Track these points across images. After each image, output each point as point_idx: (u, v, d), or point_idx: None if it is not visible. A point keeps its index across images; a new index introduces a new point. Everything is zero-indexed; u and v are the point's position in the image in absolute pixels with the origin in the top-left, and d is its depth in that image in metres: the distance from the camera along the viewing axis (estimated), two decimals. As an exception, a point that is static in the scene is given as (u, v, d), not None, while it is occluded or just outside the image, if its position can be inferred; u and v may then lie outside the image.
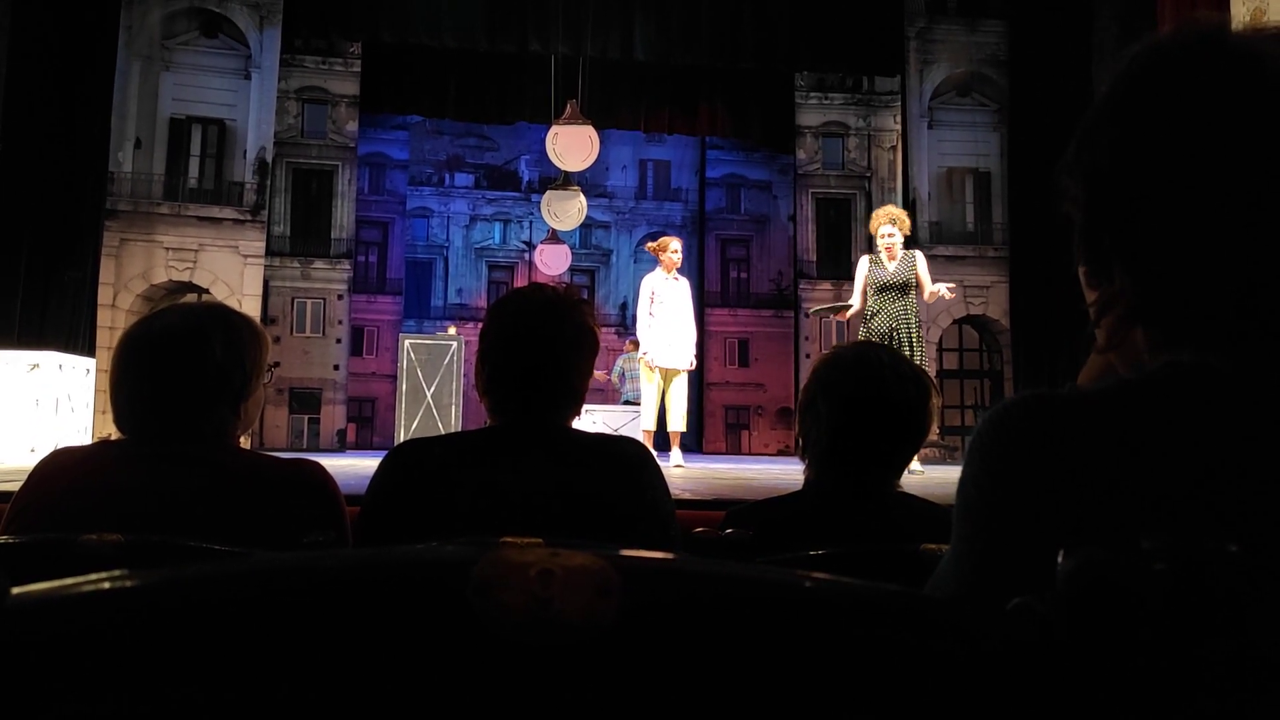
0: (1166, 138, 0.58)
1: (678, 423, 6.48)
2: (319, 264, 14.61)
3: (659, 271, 6.57)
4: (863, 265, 6.11)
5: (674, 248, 6.57)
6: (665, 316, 6.41)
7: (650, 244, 6.88)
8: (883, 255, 5.99)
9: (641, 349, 6.53)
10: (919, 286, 6.00)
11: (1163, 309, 0.59)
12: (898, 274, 5.99)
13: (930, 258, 14.27)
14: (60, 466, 1.29)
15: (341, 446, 13.81)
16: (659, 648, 0.36)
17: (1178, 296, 0.58)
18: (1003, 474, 0.54)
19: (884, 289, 5.96)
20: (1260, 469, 0.50)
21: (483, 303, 19.94)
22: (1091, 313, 0.65)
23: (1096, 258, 0.63)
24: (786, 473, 6.03)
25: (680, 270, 6.71)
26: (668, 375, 6.45)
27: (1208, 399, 0.54)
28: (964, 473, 0.57)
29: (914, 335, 5.85)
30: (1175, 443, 0.52)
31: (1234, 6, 5.54)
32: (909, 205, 13.78)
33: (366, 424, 18.06)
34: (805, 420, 1.46)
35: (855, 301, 6.12)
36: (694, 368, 6.64)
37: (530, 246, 19.34)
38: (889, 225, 6.00)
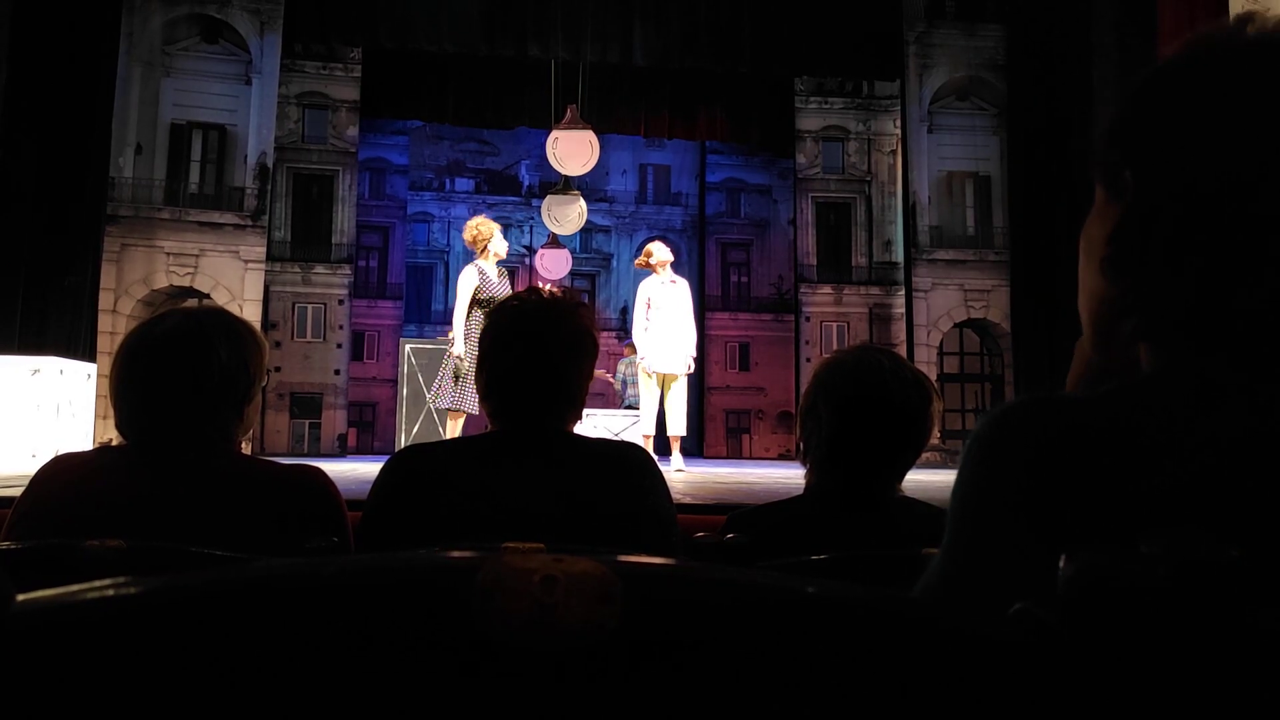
0: (1247, 139, 0.56)
1: (677, 427, 6.49)
2: (320, 269, 14.62)
3: (654, 277, 6.59)
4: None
5: (654, 251, 6.57)
6: (661, 321, 6.42)
7: (637, 260, 6.91)
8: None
9: (638, 355, 6.58)
10: None
11: (1190, 318, 0.57)
12: None
13: (930, 261, 14.29)
14: (61, 472, 1.29)
15: (342, 451, 13.80)
16: (661, 653, 0.37)
17: (1220, 301, 0.56)
18: (1002, 477, 0.54)
19: None
20: (1260, 474, 0.50)
21: (483, 307, 19.89)
22: (1092, 305, 0.63)
23: (1129, 250, 0.60)
24: (787, 477, 6.03)
25: (679, 273, 6.73)
26: (666, 380, 6.45)
27: (1210, 405, 0.54)
28: (961, 475, 0.57)
29: None
30: (1175, 448, 0.52)
31: (1232, 13, 5.54)
32: (909, 209, 13.81)
33: (367, 429, 18.05)
34: (806, 424, 1.46)
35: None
36: (691, 371, 6.59)
37: (531, 251, 19.35)
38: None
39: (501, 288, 5.69)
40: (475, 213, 21.46)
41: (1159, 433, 0.52)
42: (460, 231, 7.12)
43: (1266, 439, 0.51)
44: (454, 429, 5.77)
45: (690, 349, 6.51)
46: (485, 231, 5.80)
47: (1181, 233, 0.57)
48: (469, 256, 6.09)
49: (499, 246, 5.80)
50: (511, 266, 22.07)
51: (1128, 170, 0.60)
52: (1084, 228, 0.65)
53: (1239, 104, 0.57)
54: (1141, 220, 0.59)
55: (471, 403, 5.49)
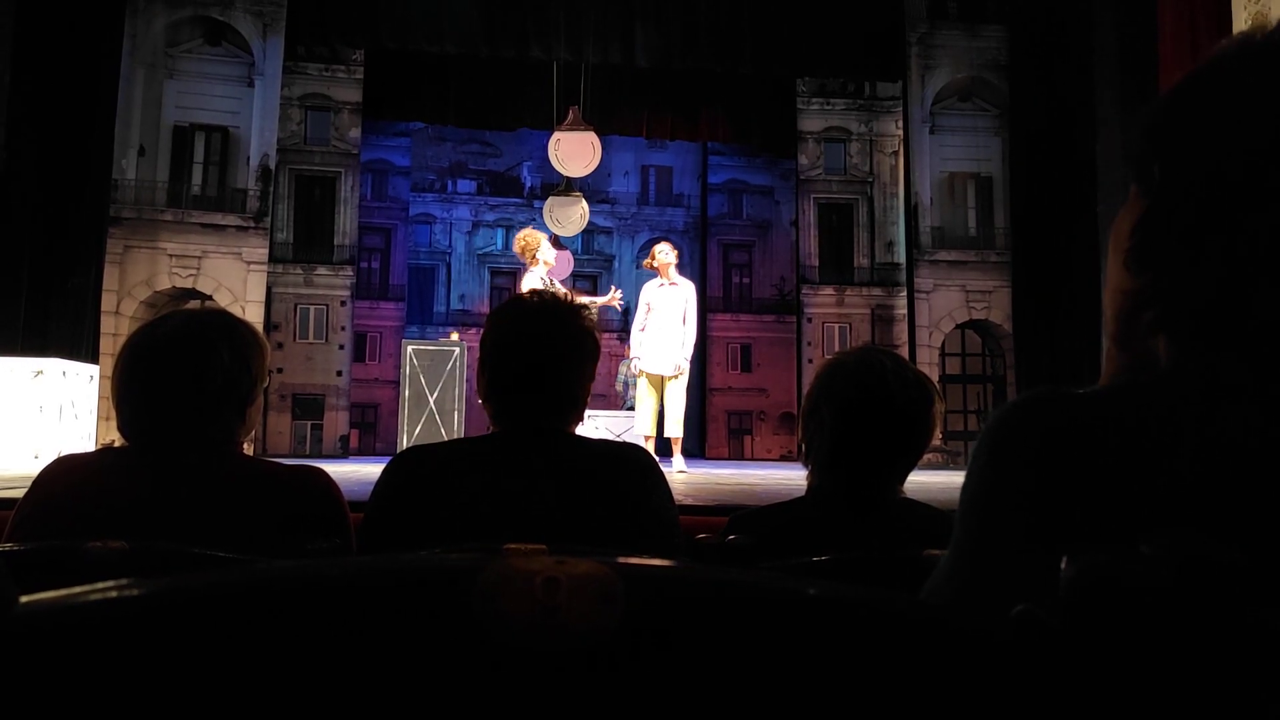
0: (1269, 138, 0.56)
1: (674, 429, 6.48)
2: (322, 270, 14.63)
3: (655, 279, 6.62)
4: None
5: (656, 254, 6.63)
6: (655, 322, 6.43)
7: (644, 262, 6.97)
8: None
9: (631, 354, 6.63)
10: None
11: (1204, 313, 0.57)
12: None
13: (932, 262, 14.28)
14: (64, 473, 1.30)
15: (344, 453, 13.80)
16: (662, 654, 0.37)
17: (1235, 298, 0.56)
18: (1008, 473, 0.54)
19: None
20: (1265, 474, 0.50)
21: (485, 308, 19.95)
22: (1116, 299, 0.64)
23: (1151, 244, 0.60)
24: (789, 478, 6.02)
25: (682, 274, 6.73)
26: (662, 381, 6.46)
27: (1218, 403, 0.54)
28: (971, 468, 0.57)
29: None
30: (1181, 446, 0.52)
31: (1235, 13, 5.54)
32: (911, 210, 13.80)
33: (369, 430, 18.06)
34: (808, 425, 1.46)
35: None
36: (680, 374, 6.47)
37: (532, 252, 19.33)
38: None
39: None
40: (477, 214, 21.60)
41: (1166, 430, 0.52)
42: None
43: (1272, 439, 0.51)
44: None
45: (683, 353, 6.46)
46: (532, 242, 6.30)
47: (1201, 227, 0.57)
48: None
49: (547, 254, 6.30)
50: (513, 268, 22.11)
51: (1156, 165, 0.60)
52: (1114, 223, 0.65)
53: (1262, 104, 0.57)
54: (1164, 213, 0.59)
55: None
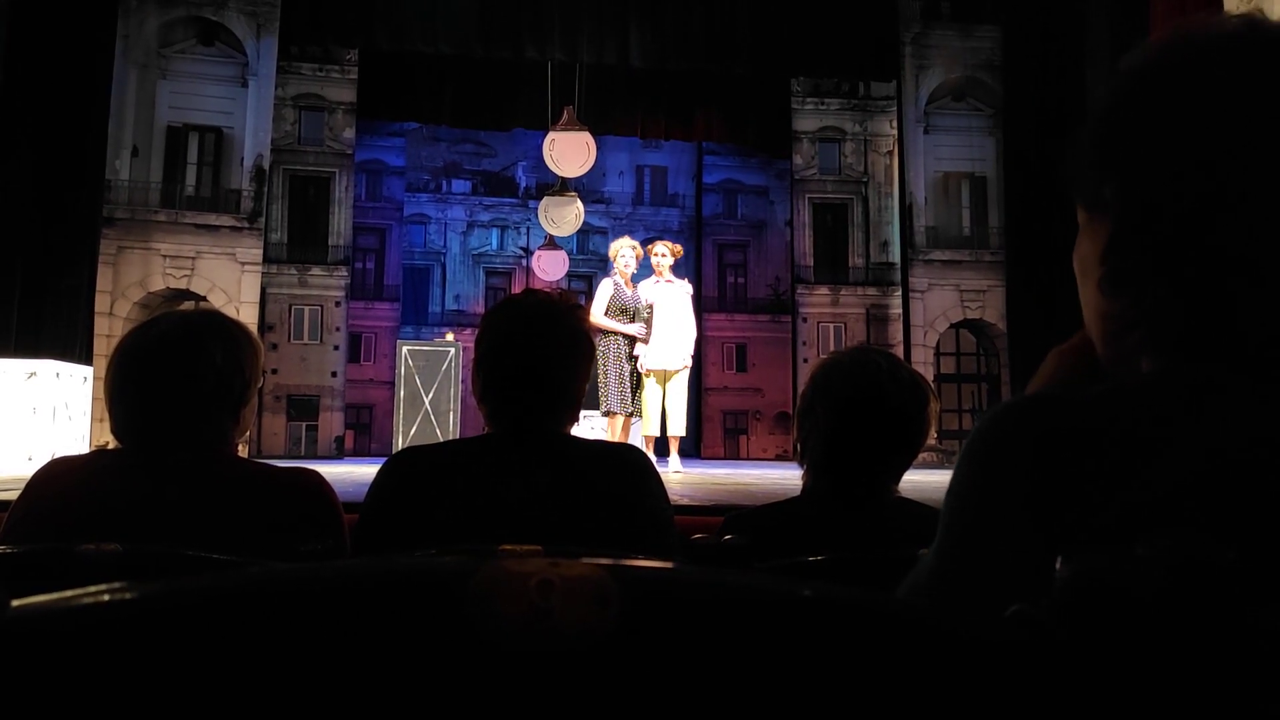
0: (1239, 141, 0.55)
1: (677, 427, 6.48)
2: (316, 271, 14.59)
3: (651, 277, 6.64)
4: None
5: (657, 254, 6.67)
6: (657, 319, 6.44)
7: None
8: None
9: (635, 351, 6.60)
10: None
11: (1191, 327, 0.56)
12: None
13: (926, 262, 14.29)
14: (57, 475, 1.29)
15: (339, 454, 13.78)
16: (658, 656, 0.36)
17: (1218, 309, 0.55)
18: (1001, 475, 0.54)
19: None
20: (1259, 474, 0.50)
21: (480, 309, 19.93)
22: (1099, 323, 0.63)
23: (1125, 266, 0.59)
24: (785, 478, 6.03)
25: (676, 273, 6.75)
26: (665, 378, 6.46)
27: (1210, 405, 0.54)
28: (958, 472, 0.57)
29: None
30: (1176, 447, 0.52)
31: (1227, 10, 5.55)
32: (905, 210, 13.83)
33: (364, 431, 18.01)
34: (804, 425, 1.46)
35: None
36: (689, 366, 6.56)
37: (528, 253, 19.34)
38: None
39: (633, 300, 6.42)
40: (472, 214, 21.58)
41: (1160, 432, 0.52)
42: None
43: (1266, 439, 0.51)
44: (616, 431, 6.33)
45: (685, 349, 6.50)
46: (612, 251, 6.79)
47: (1172, 242, 0.57)
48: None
49: (624, 259, 6.65)
50: (508, 269, 22.10)
51: (1108, 186, 0.60)
52: (1075, 248, 0.65)
53: (1210, 110, 0.56)
54: (1130, 236, 0.58)
55: (615, 402, 6.25)
